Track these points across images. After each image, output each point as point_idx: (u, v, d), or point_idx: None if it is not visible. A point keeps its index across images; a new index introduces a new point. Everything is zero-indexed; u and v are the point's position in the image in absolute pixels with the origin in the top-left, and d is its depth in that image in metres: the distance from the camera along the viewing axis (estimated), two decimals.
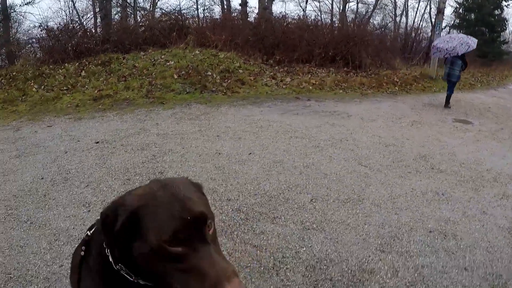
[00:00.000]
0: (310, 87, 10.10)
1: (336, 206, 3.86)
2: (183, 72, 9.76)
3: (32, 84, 9.49)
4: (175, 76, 9.56)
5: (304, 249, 3.18)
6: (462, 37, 9.62)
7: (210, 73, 9.90)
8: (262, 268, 2.96)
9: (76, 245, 1.64)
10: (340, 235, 3.38)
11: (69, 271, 1.69)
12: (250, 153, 5.21)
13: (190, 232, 1.21)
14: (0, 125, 7.10)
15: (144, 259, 1.26)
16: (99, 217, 1.30)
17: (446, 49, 9.17)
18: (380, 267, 2.97)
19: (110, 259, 1.38)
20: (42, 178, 4.45)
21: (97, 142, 5.67)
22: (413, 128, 7.03)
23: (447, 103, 9.58)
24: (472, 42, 9.25)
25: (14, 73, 10.45)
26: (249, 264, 3.01)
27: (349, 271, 2.92)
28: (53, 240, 3.25)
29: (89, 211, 3.72)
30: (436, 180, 4.62)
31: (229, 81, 9.73)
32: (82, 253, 1.54)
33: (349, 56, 12.60)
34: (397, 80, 11.96)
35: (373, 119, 7.29)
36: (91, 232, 1.52)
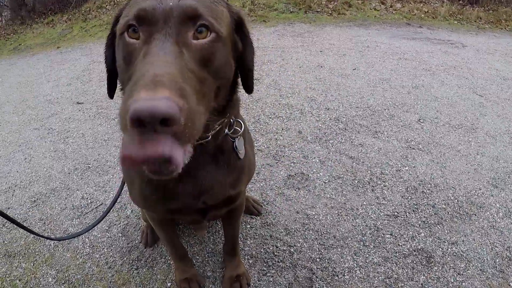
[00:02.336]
0: (422, 15, 8.64)
1: (446, 130, 3.13)
2: None
3: None
4: None
5: (407, 168, 2.61)
6: None
7: None
8: (356, 182, 2.47)
9: None
10: (448, 160, 2.72)
11: None
12: (355, 69, 4.51)
13: (156, 23, 0.78)
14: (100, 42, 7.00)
15: (116, 62, 0.93)
16: None
17: None
18: (491, 203, 2.33)
19: None
20: None
21: None
22: None
23: None
24: None
25: None
26: (342, 175, 2.53)
27: (456, 201, 2.33)
28: None
29: None
30: None
31: (335, 3, 8.61)
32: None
33: None
34: None
35: (490, 53, 5.99)
36: None
